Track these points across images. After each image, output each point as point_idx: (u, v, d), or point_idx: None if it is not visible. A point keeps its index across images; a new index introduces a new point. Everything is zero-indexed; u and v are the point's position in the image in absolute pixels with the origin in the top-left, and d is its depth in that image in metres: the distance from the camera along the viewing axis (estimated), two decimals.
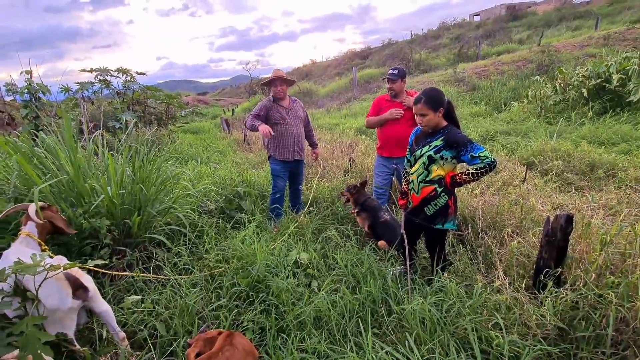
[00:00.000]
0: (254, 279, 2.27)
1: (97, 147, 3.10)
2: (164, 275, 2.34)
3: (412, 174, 2.28)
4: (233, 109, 17.11)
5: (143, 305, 2.09)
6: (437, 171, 2.13)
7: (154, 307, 2.09)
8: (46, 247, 1.86)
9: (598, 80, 6.94)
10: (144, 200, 2.69)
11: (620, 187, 3.66)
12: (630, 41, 11.51)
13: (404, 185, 2.43)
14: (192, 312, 2.05)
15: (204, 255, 2.61)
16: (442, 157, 2.09)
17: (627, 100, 6.35)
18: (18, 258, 1.44)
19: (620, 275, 1.85)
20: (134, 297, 2.10)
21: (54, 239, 2.16)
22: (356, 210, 3.12)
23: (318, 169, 4.70)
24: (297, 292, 2.21)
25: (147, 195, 2.71)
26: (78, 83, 7.04)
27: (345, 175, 4.62)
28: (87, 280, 1.70)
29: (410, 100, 3.03)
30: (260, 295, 2.17)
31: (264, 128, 3.15)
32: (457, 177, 2.10)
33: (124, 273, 2.23)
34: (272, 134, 3.18)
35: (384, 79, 3.24)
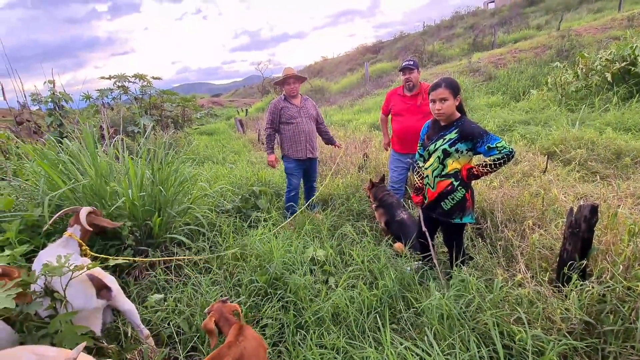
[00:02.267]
0: (272, 276, 2.30)
1: (118, 152, 3.20)
2: (187, 272, 2.40)
3: (426, 168, 2.24)
4: (247, 109, 17.30)
5: (166, 303, 2.15)
6: (452, 165, 2.09)
7: (177, 305, 2.15)
8: (87, 248, 1.95)
9: (623, 64, 6.61)
10: (163, 202, 2.76)
11: None
12: None
13: (417, 181, 2.39)
14: None
15: (225, 251, 2.65)
16: (457, 150, 2.05)
17: None
18: (48, 260, 1.51)
19: None
20: (157, 296, 2.17)
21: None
22: (374, 205, 3.12)
23: (332, 166, 4.69)
24: (315, 289, 2.22)
25: (167, 196, 2.78)
26: (98, 90, 7.28)
27: (359, 172, 4.60)
28: (110, 281, 1.76)
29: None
30: (279, 292, 2.20)
31: (271, 161, 3.59)
32: (474, 169, 2.05)
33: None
34: (276, 166, 3.72)
35: (400, 70, 3.20)
